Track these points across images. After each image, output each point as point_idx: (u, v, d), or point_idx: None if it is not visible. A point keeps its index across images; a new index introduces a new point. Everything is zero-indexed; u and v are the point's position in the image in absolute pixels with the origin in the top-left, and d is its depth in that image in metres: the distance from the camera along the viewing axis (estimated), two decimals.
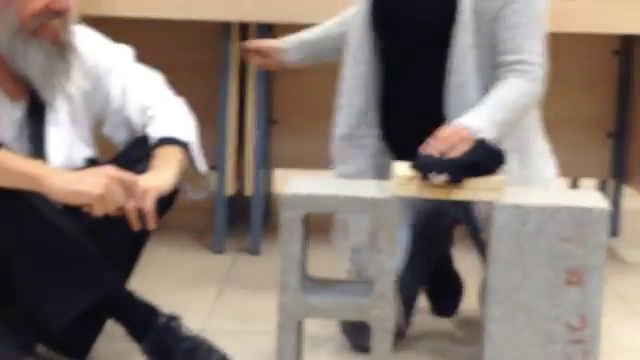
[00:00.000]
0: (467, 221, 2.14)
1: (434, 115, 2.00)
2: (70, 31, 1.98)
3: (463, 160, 1.77)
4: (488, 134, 1.85)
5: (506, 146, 1.96)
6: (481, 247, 2.06)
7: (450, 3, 2.01)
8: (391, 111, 2.16)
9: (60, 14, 1.94)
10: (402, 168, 1.77)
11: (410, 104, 2.11)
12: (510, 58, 1.97)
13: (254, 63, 2.55)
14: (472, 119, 1.87)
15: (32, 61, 1.96)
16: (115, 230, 1.90)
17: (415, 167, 1.73)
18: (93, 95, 2.11)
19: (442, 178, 1.71)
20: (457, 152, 1.80)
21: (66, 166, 1.98)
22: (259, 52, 2.46)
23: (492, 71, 2.02)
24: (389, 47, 2.15)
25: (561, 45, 2.28)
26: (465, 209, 2.08)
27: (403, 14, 2.10)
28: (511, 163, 1.95)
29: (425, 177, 1.73)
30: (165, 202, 1.90)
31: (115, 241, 1.96)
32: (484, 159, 1.78)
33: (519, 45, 1.99)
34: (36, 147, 2.01)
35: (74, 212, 1.85)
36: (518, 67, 1.97)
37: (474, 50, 2.00)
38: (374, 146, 2.16)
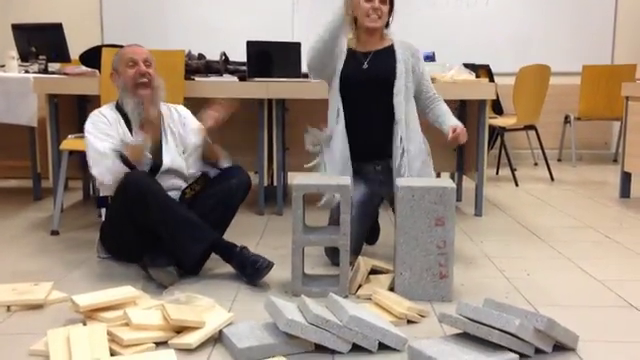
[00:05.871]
0: (388, 197, 2.89)
1: (380, 131, 2.79)
2: (157, 101, 2.75)
3: None
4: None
5: (422, 157, 2.78)
6: (393, 208, 2.73)
7: (391, 68, 2.80)
8: (354, 128, 2.83)
9: (147, 86, 2.68)
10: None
11: (365, 125, 2.83)
12: (430, 93, 2.89)
13: None
14: (454, 120, 2.88)
15: (128, 105, 2.73)
16: (216, 211, 2.70)
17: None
18: (182, 133, 2.87)
19: None
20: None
21: (171, 165, 2.75)
22: None
23: (411, 98, 2.83)
24: (351, 93, 2.86)
25: None
26: (387, 191, 2.83)
27: (360, 75, 2.85)
28: (418, 164, 2.77)
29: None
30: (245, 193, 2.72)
31: (216, 216, 2.72)
32: None
33: (431, 87, 2.91)
34: (157, 157, 2.78)
35: (190, 206, 2.61)
36: (437, 96, 2.88)
37: (405, 88, 2.81)
38: (343, 150, 2.79)
